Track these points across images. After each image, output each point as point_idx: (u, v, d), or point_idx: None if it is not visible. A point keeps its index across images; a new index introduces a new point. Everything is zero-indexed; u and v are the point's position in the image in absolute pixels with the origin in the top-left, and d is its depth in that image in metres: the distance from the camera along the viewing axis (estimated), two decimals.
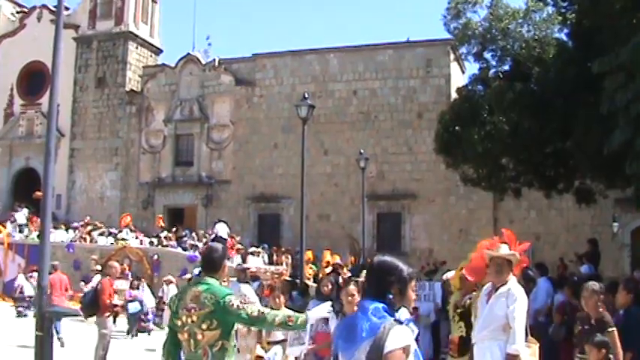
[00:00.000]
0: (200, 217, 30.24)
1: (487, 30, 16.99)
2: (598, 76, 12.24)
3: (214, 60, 31.60)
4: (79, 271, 21.93)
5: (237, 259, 19.77)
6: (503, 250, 5.78)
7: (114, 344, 11.36)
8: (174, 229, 26.67)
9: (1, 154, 33.72)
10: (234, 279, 10.89)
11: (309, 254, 19.67)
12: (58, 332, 12.85)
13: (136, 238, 25.80)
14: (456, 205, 27.05)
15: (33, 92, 33.40)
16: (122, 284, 16.14)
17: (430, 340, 11.38)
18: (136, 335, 16.70)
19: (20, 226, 26.77)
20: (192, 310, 4.35)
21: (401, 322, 3.04)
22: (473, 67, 27.34)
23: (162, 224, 27.45)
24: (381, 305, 3.06)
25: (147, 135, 31.98)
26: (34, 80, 33.04)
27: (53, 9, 25.75)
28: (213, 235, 22.65)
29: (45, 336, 8.52)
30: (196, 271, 13.66)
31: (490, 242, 5.96)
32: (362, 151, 23.65)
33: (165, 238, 25.08)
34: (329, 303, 6.11)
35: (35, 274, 14.41)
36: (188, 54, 32.06)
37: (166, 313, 16.36)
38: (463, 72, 29.50)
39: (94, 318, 10.70)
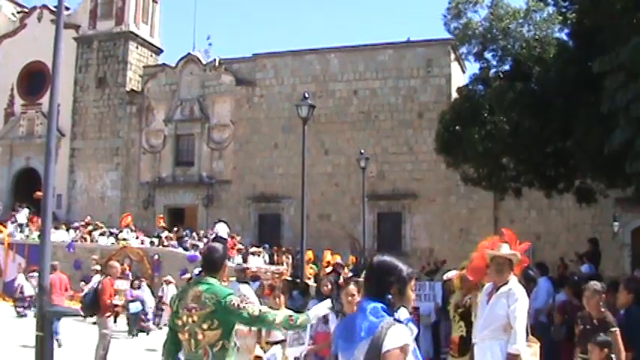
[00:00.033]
0: (200, 217, 30.26)
1: (487, 30, 16.99)
2: (598, 76, 12.25)
3: (215, 60, 31.62)
4: (80, 271, 21.92)
5: (237, 259, 19.77)
6: (504, 249, 5.77)
7: (114, 344, 11.35)
8: (174, 229, 26.67)
9: (2, 153, 33.76)
10: (234, 279, 10.87)
11: (309, 254, 19.63)
12: (56, 333, 12.82)
13: (137, 238, 25.78)
14: (456, 204, 27.05)
15: (33, 92, 33.43)
16: (122, 284, 16.10)
17: (430, 340, 11.38)
18: (136, 335, 16.72)
19: (21, 226, 26.74)
20: (193, 310, 4.35)
21: (400, 322, 3.04)
22: (473, 67, 27.38)
23: (163, 224, 27.46)
24: (380, 305, 3.06)
25: (147, 135, 32.00)
26: (35, 80, 33.06)
27: (54, 9, 25.69)
28: (214, 235, 22.62)
29: (45, 336, 8.50)
30: (196, 271, 13.64)
31: (491, 242, 5.95)
32: (362, 150, 23.64)
33: (165, 238, 25.07)
34: (329, 300, 6.11)
35: (35, 274, 14.37)
36: (188, 54, 32.09)
37: (166, 313, 16.40)
38: (464, 72, 29.51)
39: (94, 318, 10.68)
